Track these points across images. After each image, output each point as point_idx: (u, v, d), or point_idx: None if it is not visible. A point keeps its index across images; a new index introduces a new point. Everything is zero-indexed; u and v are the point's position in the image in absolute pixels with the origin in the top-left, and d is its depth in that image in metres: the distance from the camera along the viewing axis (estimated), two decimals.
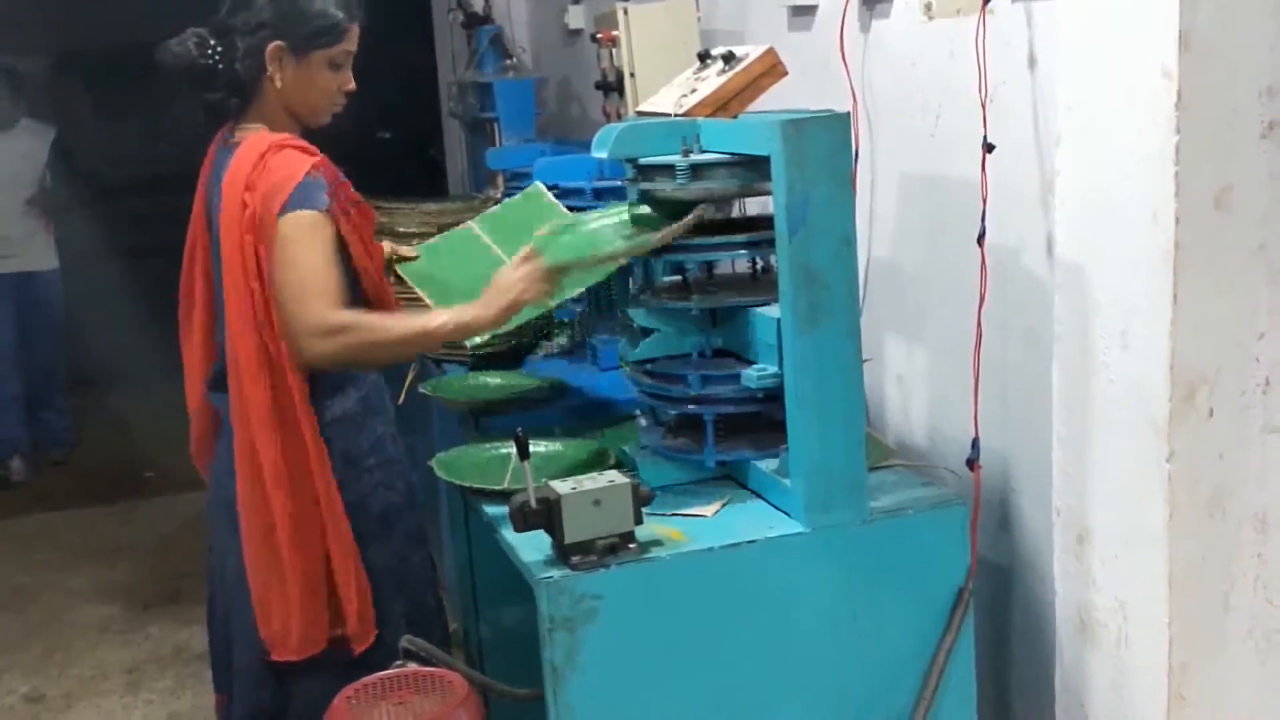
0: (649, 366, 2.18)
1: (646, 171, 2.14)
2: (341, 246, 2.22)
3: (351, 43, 2.33)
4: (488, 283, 2.19)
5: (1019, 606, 2.31)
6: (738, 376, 2.04)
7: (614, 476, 1.94)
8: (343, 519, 2.28)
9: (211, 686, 2.54)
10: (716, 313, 2.15)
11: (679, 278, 2.22)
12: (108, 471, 4.82)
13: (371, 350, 2.17)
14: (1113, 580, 2.02)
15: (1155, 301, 1.83)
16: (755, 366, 2.03)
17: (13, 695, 3.61)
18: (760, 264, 2.22)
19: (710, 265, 2.20)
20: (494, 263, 2.36)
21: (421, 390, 2.78)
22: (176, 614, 3.97)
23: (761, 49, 2.28)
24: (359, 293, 2.30)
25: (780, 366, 1.97)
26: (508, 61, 4.46)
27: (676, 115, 2.22)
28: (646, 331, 2.18)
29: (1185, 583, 1.92)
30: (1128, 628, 2.00)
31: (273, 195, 2.17)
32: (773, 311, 2.02)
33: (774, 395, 2.01)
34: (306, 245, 2.16)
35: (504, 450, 2.33)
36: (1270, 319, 1.86)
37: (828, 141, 1.88)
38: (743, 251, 2.13)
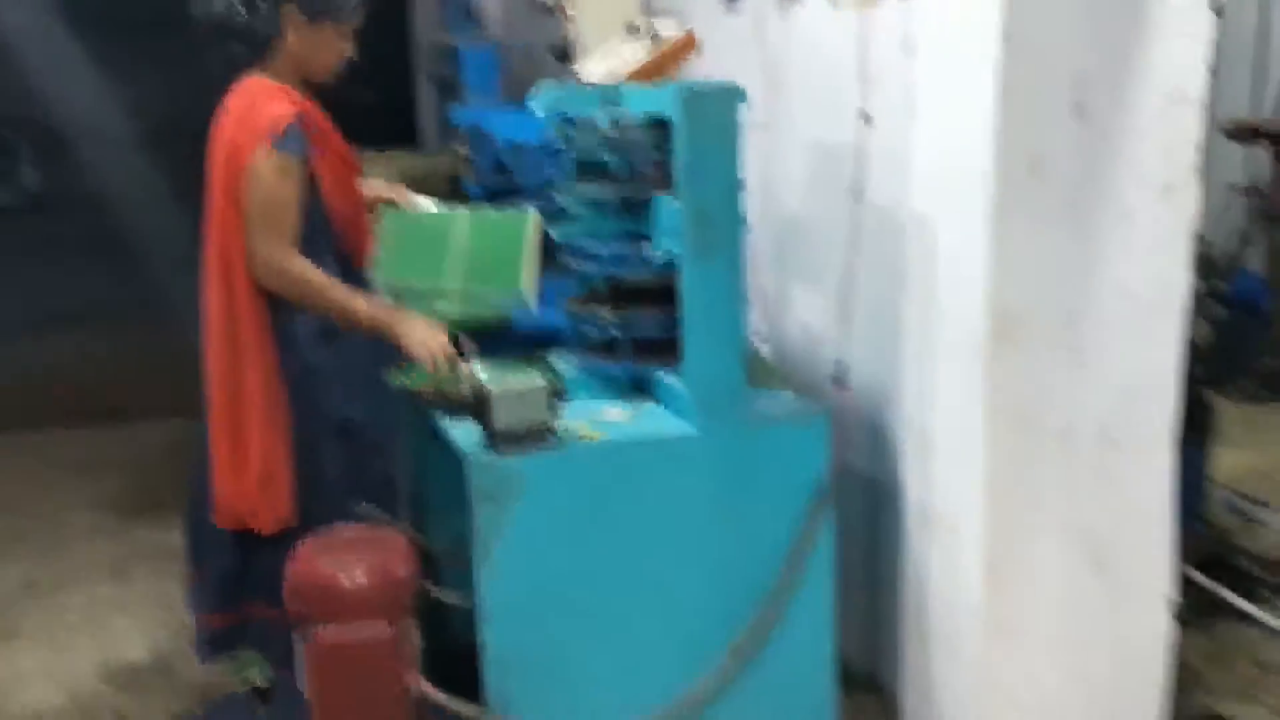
0: (572, 244, 2.53)
1: (574, 124, 2.51)
2: (313, 185, 2.60)
3: (359, 19, 2.70)
4: (434, 272, 2.68)
5: (882, 506, 2.71)
6: (643, 253, 2.38)
7: (537, 378, 2.33)
8: (274, 413, 2.63)
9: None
10: (631, 201, 2.45)
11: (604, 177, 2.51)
12: (86, 400, 5.06)
13: (302, 298, 2.57)
14: (947, 483, 2.42)
15: (979, 249, 2.22)
16: (660, 245, 2.37)
17: (8, 582, 3.94)
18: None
19: (633, 166, 2.47)
20: (449, 256, 2.73)
21: None
22: (161, 520, 4.28)
23: (683, 30, 2.66)
24: (330, 227, 2.68)
25: (679, 247, 2.30)
26: (476, 29, 4.78)
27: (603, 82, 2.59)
28: (574, 218, 2.52)
29: (1003, 485, 2.32)
30: (957, 522, 2.40)
31: (255, 133, 2.55)
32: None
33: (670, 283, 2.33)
34: (273, 183, 2.54)
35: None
36: (1075, 266, 2.25)
37: (720, 108, 2.27)
38: (655, 153, 2.40)
